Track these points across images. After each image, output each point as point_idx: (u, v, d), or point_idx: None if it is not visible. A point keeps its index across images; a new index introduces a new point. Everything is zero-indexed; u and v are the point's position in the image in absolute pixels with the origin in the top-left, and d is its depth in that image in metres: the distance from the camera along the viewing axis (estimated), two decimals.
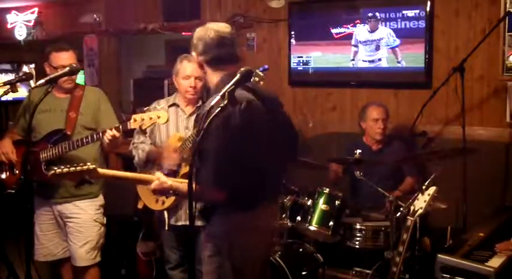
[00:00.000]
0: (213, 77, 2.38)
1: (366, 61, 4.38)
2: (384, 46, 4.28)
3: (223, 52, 2.33)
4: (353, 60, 4.43)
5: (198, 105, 3.36)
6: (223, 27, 2.38)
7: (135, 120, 2.96)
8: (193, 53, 2.40)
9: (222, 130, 2.17)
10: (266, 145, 2.34)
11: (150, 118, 2.94)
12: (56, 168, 2.34)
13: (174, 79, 3.35)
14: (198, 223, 2.56)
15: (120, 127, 3.04)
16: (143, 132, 3.03)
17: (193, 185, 1.99)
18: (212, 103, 2.07)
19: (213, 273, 2.37)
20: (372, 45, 4.33)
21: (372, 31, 4.31)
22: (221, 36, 2.33)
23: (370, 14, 4.30)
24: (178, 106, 3.35)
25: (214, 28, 2.35)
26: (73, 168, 2.32)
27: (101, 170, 2.40)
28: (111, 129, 3.02)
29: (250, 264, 2.38)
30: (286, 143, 2.50)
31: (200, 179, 2.12)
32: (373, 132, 3.91)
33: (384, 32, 4.25)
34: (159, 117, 2.94)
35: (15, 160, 3.33)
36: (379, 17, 4.27)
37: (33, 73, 6.45)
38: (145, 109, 2.98)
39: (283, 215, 3.52)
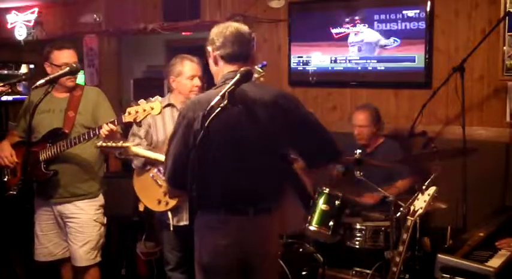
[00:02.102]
0: (224, 72, 2.39)
1: (353, 61, 4.43)
2: (370, 46, 4.31)
3: (238, 49, 2.35)
4: (349, 59, 4.45)
5: None
6: (243, 26, 2.41)
7: (129, 113, 2.96)
8: (209, 48, 2.40)
9: (183, 129, 2.29)
10: (233, 149, 2.31)
11: (144, 110, 2.93)
12: (101, 142, 3.08)
13: (172, 79, 3.36)
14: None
15: (116, 121, 3.04)
16: (138, 124, 3.04)
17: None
18: (212, 103, 2.08)
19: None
20: (355, 46, 4.39)
21: (358, 33, 4.36)
22: (240, 32, 2.36)
23: (348, 19, 4.38)
24: (174, 106, 3.37)
25: (234, 25, 2.38)
26: (109, 143, 3.07)
27: (134, 149, 3.16)
28: (106, 124, 3.03)
29: (219, 268, 2.36)
30: (275, 147, 2.38)
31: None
32: (355, 136, 3.94)
33: (369, 35, 4.29)
34: (152, 108, 2.93)
35: (16, 162, 3.33)
36: (362, 19, 4.33)
37: (33, 73, 6.46)
38: (139, 102, 2.97)
39: None
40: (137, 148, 3.22)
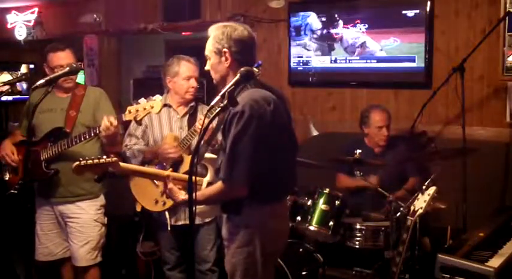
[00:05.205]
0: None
1: (352, 61, 4.45)
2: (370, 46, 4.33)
3: (251, 56, 2.44)
4: (349, 59, 4.45)
5: (192, 104, 3.38)
6: (250, 30, 2.45)
7: (129, 112, 2.96)
8: (225, 48, 2.37)
9: (255, 129, 2.26)
10: (287, 140, 2.48)
11: (144, 109, 2.94)
12: (81, 159, 2.46)
13: (169, 80, 3.35)
14: (197, 221, 2.58)
15: (116, 120, 3.04)
16: (138, 123, 3.03)
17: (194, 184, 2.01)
18: (212, 103, 2.09)
19: (240, 265, 2.41)
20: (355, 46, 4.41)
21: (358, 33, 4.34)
22: (252, 37, 2.44)
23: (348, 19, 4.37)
24: (170, 106, 3.38)
25: (248, 30, 2.43)
26: (97, 160, 2.46)
27: (122, 164, 2.56)
28: (107, 117, 3.01)
29: (276, 251, 2.54)
30: (295, 139, 2.56)
31: (230, 177, 2.28)
32: (378, 138, 3.85)
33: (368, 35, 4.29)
34: (152, 107, 2.94)
35: (17, 161, 3.33)
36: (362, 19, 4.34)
37: (33, 73, 6.47)
38: (139, 100, 2.98)
39: None
40: (124, 164, 2.83)
